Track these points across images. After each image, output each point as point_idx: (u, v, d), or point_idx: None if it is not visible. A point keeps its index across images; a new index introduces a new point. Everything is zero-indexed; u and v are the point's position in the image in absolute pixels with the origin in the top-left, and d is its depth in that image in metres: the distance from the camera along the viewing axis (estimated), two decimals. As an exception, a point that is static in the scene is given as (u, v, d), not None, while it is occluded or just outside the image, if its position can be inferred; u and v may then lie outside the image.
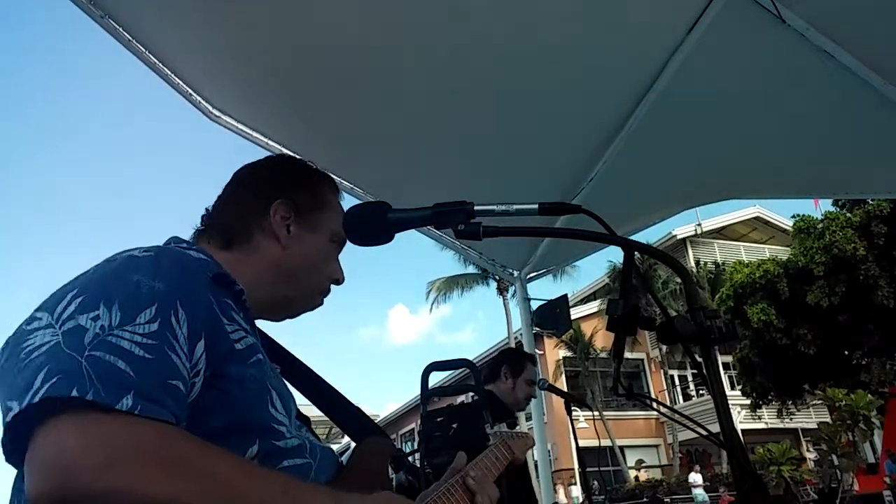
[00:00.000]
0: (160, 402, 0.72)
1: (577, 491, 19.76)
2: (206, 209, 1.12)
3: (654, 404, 1.27)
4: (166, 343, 0.76)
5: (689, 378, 25.89)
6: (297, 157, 1.30)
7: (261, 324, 1.14)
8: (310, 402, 1.16)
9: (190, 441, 0.72)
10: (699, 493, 19.08)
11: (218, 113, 3.26)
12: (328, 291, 1.15)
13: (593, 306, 25.15)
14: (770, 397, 16.60)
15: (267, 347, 1.12)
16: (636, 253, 0.92)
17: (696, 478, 19.57)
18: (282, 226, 1.08)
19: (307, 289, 1.12)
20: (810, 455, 20.74)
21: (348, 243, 1.12)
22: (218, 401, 0.83)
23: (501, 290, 25.31)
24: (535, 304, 4.66)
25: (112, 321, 0.75)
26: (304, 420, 1.04)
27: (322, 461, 0.94)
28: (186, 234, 1.08)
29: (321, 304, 1.15)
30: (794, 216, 16.00)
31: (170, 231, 1.07)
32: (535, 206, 0.95)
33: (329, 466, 0.96)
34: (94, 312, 0.75)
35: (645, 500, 20.28)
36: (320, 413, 1.19)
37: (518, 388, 3.10)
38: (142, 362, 0.73)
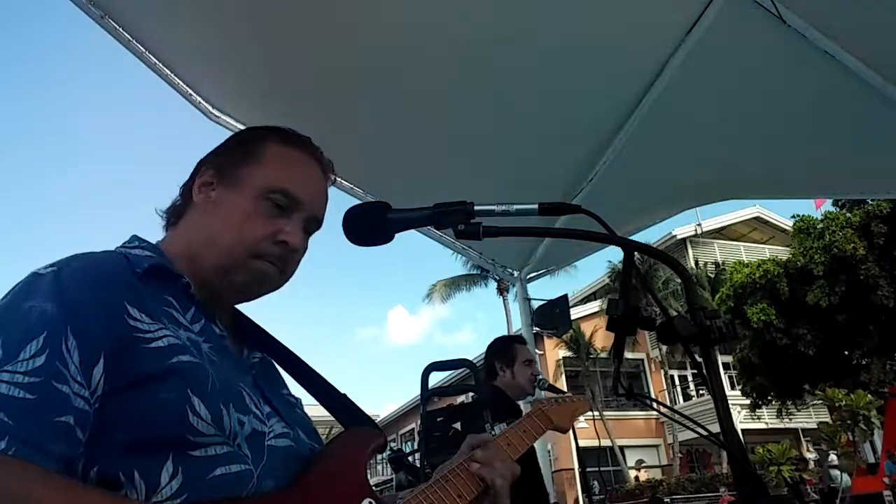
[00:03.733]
0: (39, 444, 0.70)
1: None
2: None
3: (654, 404, 1.27)
4: (54, 376, 0.74)
5: (689, 378, 25.89)
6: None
7: (261, 320, 1.13)
8: (316, 403, 1.13)
9: (50, 485, 0.69)
10: (837, 474, 15.05)
11: (218, 113, 3.27)
12: (272, 256, 0.98)
13: (593, 306, 25.14)
14: (770, 397, 16.61)
15: (255, 338, 1.08)
16: (636, 253, 0.92)
17: (832, 458, 15.84)
18: (199, 192, 1.02)
19: (232, 254, 0.96)
20: (810, 455, 20.72)
21: (348, 243, 1.07)
22: (127, 413, 0.78)
23: (501, 291, 25.31)
24: (535, 304, 4.66)
25: None
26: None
27: (276, 463, 0.88)
28: None
29: (269, 271, 0.99)
30: (794, 216, 16.03)
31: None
32: (535, 206, 0.95)
33: (290, 466, 0.89)
34: None
35: (645, 500, 20.26)
36: (322, 413, 1.17)
37: (518, 375, 3.03)
38: (22, 405, 0.71)
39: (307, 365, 1.12)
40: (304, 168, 1.05)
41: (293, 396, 1.07)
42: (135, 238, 0.99)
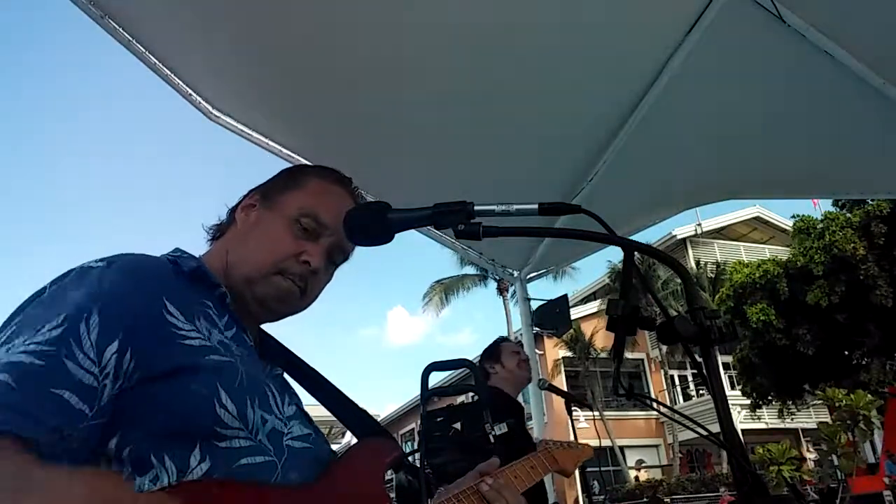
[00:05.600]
0: (33, 415, 0.72)
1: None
2: None
3: (654, 404, 1.27)
4: (65, 348, 0.77)
5: (689, 378, 25.86)
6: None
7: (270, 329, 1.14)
8: (318, 403, 1.14)
9: (27, 460, 0.71)
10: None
11: (218, 113, 3.27)
12: (294, 274, 1.04)
13: (593, 306, 25.11)
14: (770, 397, 16.59)
15: (272, 351, 1.13)
16: (636, 253, 0.92)
17: None
18: (241, 212, 1.11)
19: (259, 268, 1.03)
20: (810, 455, 20.72)
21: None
22: (160, 401, 0.82)
23: (501, 291, 25.29)
24: (535, 304, 4.67)
25: (23, 339, 0.77)
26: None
27: (296, 460, 0.91)
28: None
29: (290, 288, 1.04)
30: (794, 216, 16.01)
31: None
32: (535, 206, 0.94)
33: (308, 466, 0.92)
34: (16, 340, 0.77)
35: (645, 500, 20.26)
36: (324, 413, 1.18)
37: (507, 364, 3.10)
38: (28, 371, 0.74)
39: (328, 381, 1.16)
40: (337, 199, 1.11)
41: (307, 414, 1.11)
42: (178, 249, 1.06)
